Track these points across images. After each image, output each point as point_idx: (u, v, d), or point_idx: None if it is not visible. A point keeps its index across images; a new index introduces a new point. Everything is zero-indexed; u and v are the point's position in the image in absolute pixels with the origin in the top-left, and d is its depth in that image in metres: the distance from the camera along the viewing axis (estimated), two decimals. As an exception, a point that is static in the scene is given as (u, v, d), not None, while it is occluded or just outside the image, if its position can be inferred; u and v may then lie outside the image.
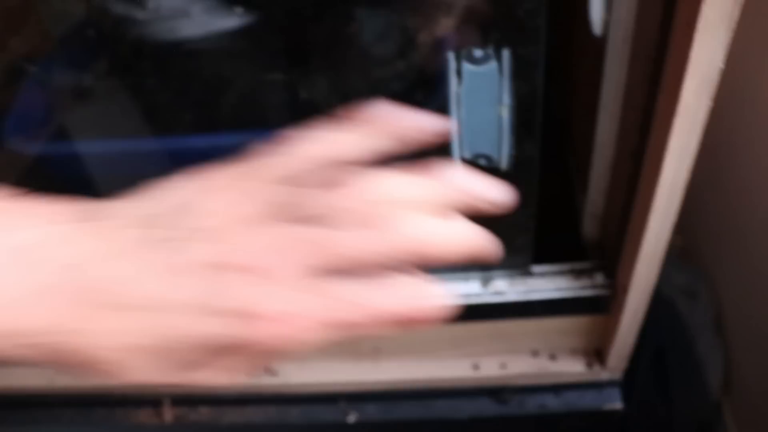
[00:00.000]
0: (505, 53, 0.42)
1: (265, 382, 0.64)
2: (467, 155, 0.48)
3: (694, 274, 0.92)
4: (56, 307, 0.28)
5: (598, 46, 0.49)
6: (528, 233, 0.52)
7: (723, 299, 0.88)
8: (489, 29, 0.41)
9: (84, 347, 0.29)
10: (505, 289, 0.55)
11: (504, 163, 0.47)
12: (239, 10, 0.53)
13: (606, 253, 0.56)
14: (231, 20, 0.54)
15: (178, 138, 0.60)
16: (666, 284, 0.91)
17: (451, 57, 0.43)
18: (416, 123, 0.30)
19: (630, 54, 0.44)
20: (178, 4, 0.53)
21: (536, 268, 0.56)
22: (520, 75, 0.43)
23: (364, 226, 0.27)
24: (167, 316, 0.28)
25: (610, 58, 0.46)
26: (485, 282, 0.55)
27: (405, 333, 0.59)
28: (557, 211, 0.63)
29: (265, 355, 0.29)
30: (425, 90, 0.51)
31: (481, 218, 0.55)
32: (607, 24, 0.47)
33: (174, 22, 0.54)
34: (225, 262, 0.28)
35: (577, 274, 0.55)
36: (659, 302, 0.69)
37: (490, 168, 0.48)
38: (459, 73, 0.43)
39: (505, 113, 0.45)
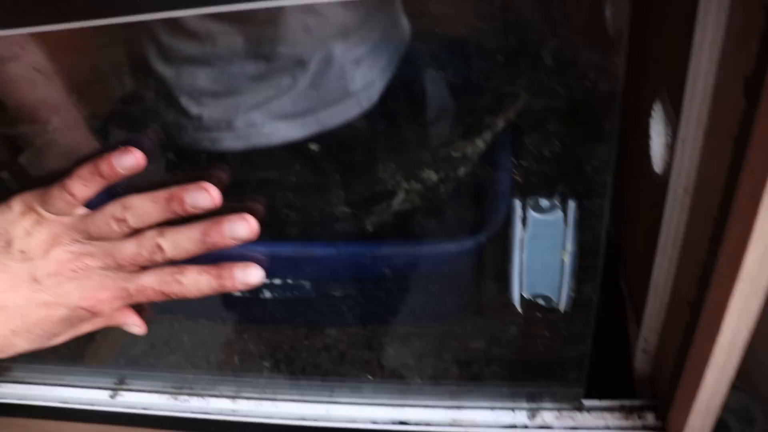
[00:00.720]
0: (571, 204, 0.43)
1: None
2: (526, 294, 0.48)
3: (750, 395, 0.88)
4: None
5: (659, 185, 0.49)
6: (581, 369, 0.52)
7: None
8: (557, 182, 0.42)
9: None
10: (553, 422, 0.54)
11: (563, 304, 0.47)
12: (285, 127, 0.54)
13: (657, 393, 0.54)
14: (275, 137, 0.55)
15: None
16: (718, 405, 0.87)
17: (517, 204, 0.44)
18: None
19: (690, 206, 0.44)
20: (222, 116, 0.54)
21: (586, 402, 0.55)
22: (584, 224, 0.44)
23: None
24: (34, 310, 0.45)
25: (670, 205, 0.46)
26: (532, 414, 0.55)
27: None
28: (608, 338, 0.62)
29: (109, 322, 0.49)
30: (489, 230, 0.52)
31: (536, 352, 0.55)
32: (668, 166, 0.47)
33: (217, 134, 0.55)
34: (59, 272, 0.45)
35: (627, 411, 0.54)
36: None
37: (547, 307, 0.48)
38: (524, 220, 0.44)
39: (567, 259, 0.45)
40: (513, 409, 0.55)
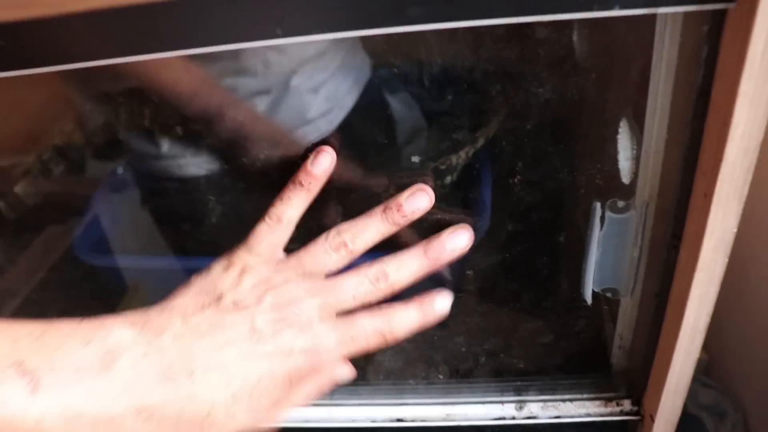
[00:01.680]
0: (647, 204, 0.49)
1: None
2: (596, 288, 0.54)
3: (721, 392, 0.94)
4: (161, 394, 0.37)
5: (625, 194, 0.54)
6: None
7: (750, 419, 0.90)
8: (633, 186, 0.49)
9: (197, 405, 0.38)
10: (538, 413, 0.59)
11: (629, 295, 0.54)
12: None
13: (634, 383, 0.59)
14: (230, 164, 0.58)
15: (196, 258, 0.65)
16: (692, 402, 0.93)
17: (597, 206, 0.50)
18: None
19: (655, 211, 0.50)
20: (185, 146, 0.57)
21: (567, 395, 0.60)
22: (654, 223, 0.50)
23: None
24: (255, 364, 0.39)
25: (638, 212, 0.51)
26: (519, 406, 0.59)
27: None
28: (587, 338, 0.67)
29: (324, 379, 0.43)
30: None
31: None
32: (635, 176, 0.53)
33: (183, 160, 0.58)
34: (276, 318, 0.40)
35: (606, 401, 0.59)
36: (686, 421, 0.72)
37: (614, 299, 0.54)
38: (602, 219, 0.50)
39: (636, 254, 0.51)
40: (501, 403, 0.60)
